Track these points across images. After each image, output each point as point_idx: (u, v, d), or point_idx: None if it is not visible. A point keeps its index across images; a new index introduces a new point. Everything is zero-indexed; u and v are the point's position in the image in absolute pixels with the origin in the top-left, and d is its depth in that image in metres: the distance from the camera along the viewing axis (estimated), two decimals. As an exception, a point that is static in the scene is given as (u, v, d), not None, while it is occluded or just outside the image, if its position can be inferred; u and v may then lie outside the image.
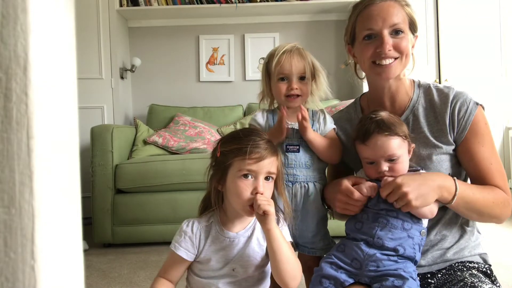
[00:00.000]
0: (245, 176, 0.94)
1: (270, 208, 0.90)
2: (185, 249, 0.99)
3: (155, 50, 3.44)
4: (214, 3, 3.19)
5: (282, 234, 0.95)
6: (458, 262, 1.02)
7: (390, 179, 0.94)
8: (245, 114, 3.20)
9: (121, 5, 3.18)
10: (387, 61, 1.00)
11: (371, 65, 1.02)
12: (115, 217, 2.34)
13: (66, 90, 0.33)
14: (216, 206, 1.02)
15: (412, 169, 1.00)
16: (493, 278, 1.01)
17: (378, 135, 0.97)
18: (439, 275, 1.01)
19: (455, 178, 0.96)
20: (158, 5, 3.20)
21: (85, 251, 2.28)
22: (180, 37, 3.45)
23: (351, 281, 0.95)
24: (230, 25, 3.43)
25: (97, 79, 3.09)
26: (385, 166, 0.97)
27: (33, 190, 0.30)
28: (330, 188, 1.09)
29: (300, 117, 1.06)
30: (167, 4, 3.20)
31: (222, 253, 0.98)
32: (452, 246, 1.04)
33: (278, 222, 1.01)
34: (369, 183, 0.98)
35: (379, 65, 1.01)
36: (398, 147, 0.97)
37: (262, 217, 0.91)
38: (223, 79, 3.45)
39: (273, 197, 1.01)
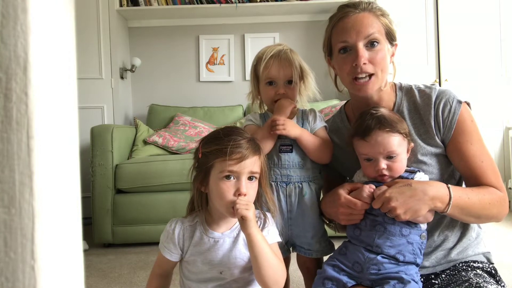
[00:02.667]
0: (227, 177, 0.91)
1: (248, 213, 0.88)
2: (168, 250, 0.99)
3: (155, 50, 3.44)
4: (214, 3, 3.19)
5: (264, 238, 0.92)
6: (462, 262, 1.02)
7: (379, 191, 0.93)
8: (245, 114, 3.20)
9: (121, 5, 3.17)
10: (363, 74, 0.98)
11: (351, 81, 1.01)
12: (115, 217, 2.34)
13: (66, 90, 0.33)
14: (200, 208, 1.00)
15: (409, 170, 0.99)
16: (497, 278, 1.01)
17: (379, 131, 0.96)
18: (443, 276, 1.00)
19: (450, 186, 0.93)
20: (158, 5, 3.20)
21: (85, 251, 2.28)
22: (180, 37, 3.45)
23: (353, 282, 0.94)
24: (230, 25, 3.43)
25: (97, 79, 3.09)
26: (383, 164, 0.96)
27: (33, 190, 0.30)
28: (327, 203, 1.06)
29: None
30: (167, 4, 3.20)
31: (206, 255, 0.97)
32: (455, 245, 1.03)
33: (264, 222, 0.99)
34: (368, 188, 0.96)
35: (357, 83, 0.99)
36: (398, 144, 0.96)
37: (241, 221, 0.89)
38: (223, 79, 3.45)
39: (259, 197, 1.00)
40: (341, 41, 0.99)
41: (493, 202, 0.96)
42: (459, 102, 1.00)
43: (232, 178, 0.92)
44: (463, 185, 1.06)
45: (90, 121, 2.85)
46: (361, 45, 0.97)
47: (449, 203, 0.91)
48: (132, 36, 3.45)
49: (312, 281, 1.20)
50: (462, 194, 0.94)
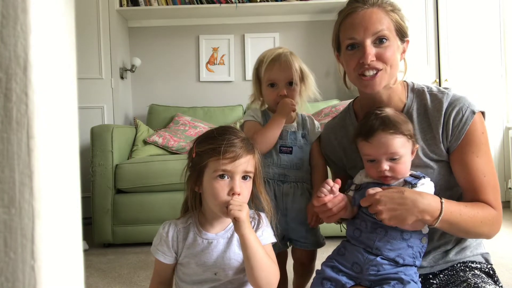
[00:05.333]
0: (221, 176, 0.91)
1: (241, 214, 0.87)
2: (162, 253, 0.98)
3: (155, 50, 3.44)
4: (214, 3, 3.19)
5: (258, 239, 0.91)
6: (460, 263, 1.01)
7: (372, 191, 0.91)
8: (245, 114, 3.19)
9: (121, 5, 3.17)
10: (370, 72, 0.95)
11: (357, 77, 0.98)
12: (115, 217, 2.34)
13: (66, 90, 0.33)
14: (193, 208, 0.99)
15: (414, 175, 0.97)
16: (495, 278, 1.00)
17: (382, 133, 0.94)
18: (441, 276, 1.00)
19: (443, 201, 0.90)
20: (158, 5, 3.20)
21: (85, 251, 2.28)
22: (180, 37, 3.45)
23: (352, 283, 0.94)
24: (230, 25, 3.43)
25: (97, 79, 3.09)
26: (385, 165, 0.94)
27: (33, 190, 0.29)
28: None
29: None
30: (167, 4, 3.20)
31: (200, 257, 0.96)
32: (454, 247, 1.03)
33: (258, 223, 0.99)
34: (324, 184, 0.96)
35: (364, 77, 0.96)
36: (401, 146, 0.94)
37: (235, 222, 0.88)
38: (223, 79, 3.45)
39: (253, 196, 0.99)
40: (349, 38, 0.97)
41: (485, 221, 0.93)
42: (473, 112, 0.96)
43: (226, 177, 0.91)
44: None
45: (90, 121, 2.85)
46: (368, 42, 0.94)
47: (438, 218, 0.89)
48: (132, 36, 3.45)
49: (305, 276, 1.28)
50: (454, 210, 0.90)
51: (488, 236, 0.97)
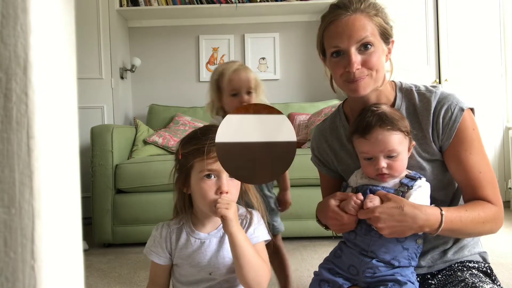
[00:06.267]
0: (208, 176, 0.91)
1: (228, 212, 0.87)
2: (156, 254, 0.98)
3: (155, 50, 3.44)
4: (214, 3, 3.19)
5: (247, 238, 0.91)
6: (457, 262, 1.01)
7: (370, 204, 0.90)
8: (245, 114, 3.19)
9: (121, 5, 3.18)
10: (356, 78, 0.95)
11: (344, 83, 0.98)
12: (115, 217, 2.34)
13: (66, 90, 0.33)
14: (183, 209, 0.99)
15: (410, 176, 0.96)
16: (493, 277, 1.01)
17: (379, 129, 0.93)
18: (440, 276, 1.00)
19: (443, 213, 0.89)
20: (158, 5, 3.20)
21: (85, 251, 2.28)
22: (180, 37, 3.45)
23: (349, 284, 0.94)
24: (230, 25, 3.43)
25: (97, 79, 3.09)
26: (383, 163, 0.93)
27: (33, 190, 0.30)
28: (321, 211, 1.05)
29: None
30: (167, 4, 3.20)
31: (194, 257, 0.96)
32: (452, 246, 1.03)
33: (250, 221, 0.98)
34: (354, 199, 0.93)
35: (350, 84, 0.96)
36: (399, 143, 0.93)
37: (223, 221, 0.88)
38: (223, 79, 3.45)
39: (242, 194, 0.99)
40: (333, 46, 0.96)
41: (487, 220, 0.93)
42: (462, 109, 0.96)
43: (212, 177, 0.91)
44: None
45: (90, 121, 2.85)
46: (353, 50, 0.93)
47: (437, 229, 0.89)
48: (132, 36, 3.45)
49: (273, 256, 1.43)
50: (455, 218, 0.90)
51: (492, 232, 0.97)
